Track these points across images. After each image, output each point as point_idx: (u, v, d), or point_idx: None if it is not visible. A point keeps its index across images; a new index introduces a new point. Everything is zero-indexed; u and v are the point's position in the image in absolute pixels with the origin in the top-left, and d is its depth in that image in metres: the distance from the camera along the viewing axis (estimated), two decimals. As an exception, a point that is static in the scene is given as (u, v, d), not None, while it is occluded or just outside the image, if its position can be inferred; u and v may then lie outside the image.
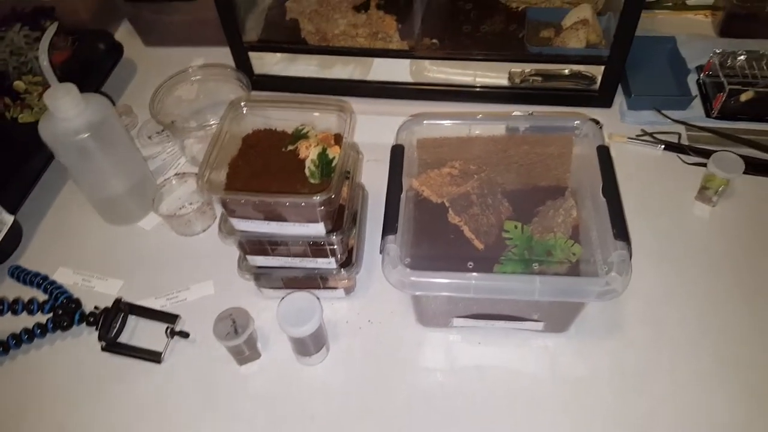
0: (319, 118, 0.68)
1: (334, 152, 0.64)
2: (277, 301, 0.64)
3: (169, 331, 0.70)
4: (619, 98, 0.94)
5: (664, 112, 0.90)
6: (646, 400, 0.64)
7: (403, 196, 0.67)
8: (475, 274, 0.58)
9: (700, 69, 0.96)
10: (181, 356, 0.70)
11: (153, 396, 0.67)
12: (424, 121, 0.71)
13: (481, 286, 0.58)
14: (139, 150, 0.84)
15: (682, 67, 0.95)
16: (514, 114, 0.74)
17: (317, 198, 0.59)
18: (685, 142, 0.89)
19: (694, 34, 1.01)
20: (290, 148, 0.66)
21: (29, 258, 0.80)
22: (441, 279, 0.59)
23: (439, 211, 0.72)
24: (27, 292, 0.75)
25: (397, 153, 0.70)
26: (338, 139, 0.66)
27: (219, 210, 0.67)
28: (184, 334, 0.71)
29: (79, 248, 0.81)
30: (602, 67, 0.88)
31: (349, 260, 0.70)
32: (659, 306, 0.71)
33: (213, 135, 0.62)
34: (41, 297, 0.74)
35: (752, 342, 0.68)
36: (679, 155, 0.87)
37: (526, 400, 0.65)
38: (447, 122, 0.73)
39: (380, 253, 0.63)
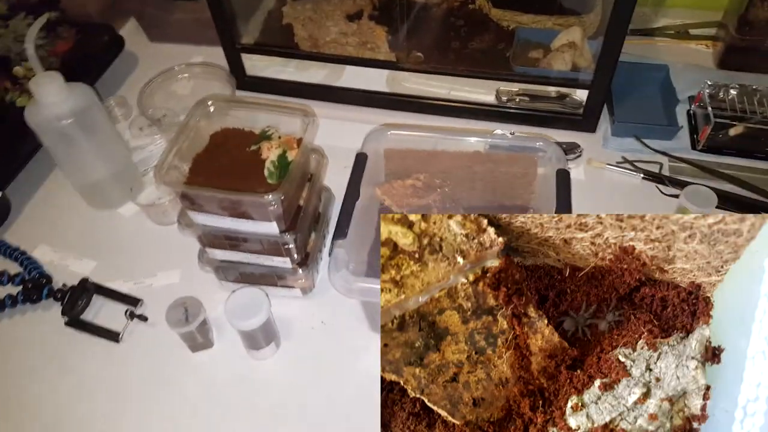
0: (285, 121, 0.70)
1: (293, 155, 0.66)
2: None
3: (128, 313, 0.73)
4: (605, 124, 0.94)
5: (648, 141, 0.90)
6: None
7: (361, 202, 0.69)
8: (412, 284, 0.60)
9: (692, 99, 0.95)
10: (139, 338, 0.73)
11: (107, 373, 0.70)
12: (389, 132, 0.73)
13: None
14: (123, 139, 0.87)
15: (672, 96, 0.94)
16: (480, 131, 0.75)
17: (267, 197, 0.61)
18: (666, 172, 0.88)
19: (690, 64, 1.01)
20: (254, 148, 0.68)
21: (14, 233, 0.84)
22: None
23: (398, 220, 0.73)
24: (7, 266, 0.79)
25: (359, 161, 0.71)
26: (300, 143, 0.68)
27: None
28: (143, 318, 0.73)
29: (60, 228, 0.85)
30: (586, 91, 0.88)
31: (306, 260, 0.72)
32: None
33: (177, 129, 0.65)
34: (15, 270, 0.77)
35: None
36: (658, 185, 0.86)
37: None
38: (414, 134, 0.74)
39: (329, 256, 0.64)
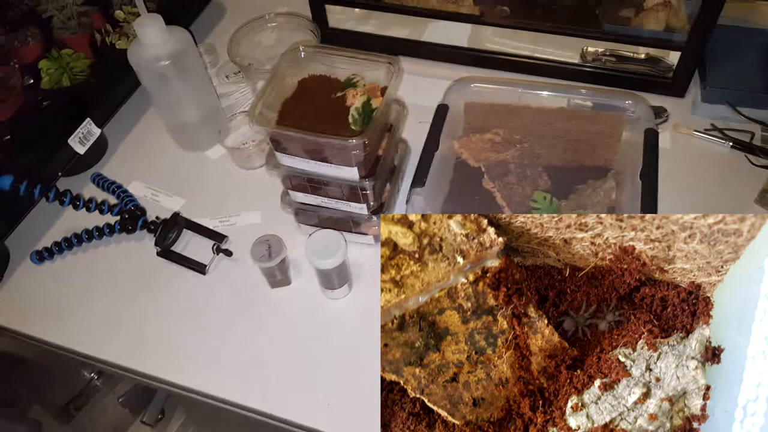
0: (369, 70, 0.71)
1: (377, 103, 0.67)
2: (313, 237, 0.70)
3: (215, 247, 0.78)
4: (694, 89, 0.90)
5: (741, 109, 0.85)
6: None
7: (438, 154, 0.70)
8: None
9: (794, 67, 0.89)
10: (223, 271, 0.78)
11: (194, 301, 0.76)
12: (472, 85, 0.73)
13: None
14: (213, 85, 0.91)
15: (772, 62, 0.89)
16: (566, 86, 0.74)
17: (352, 141, 0.63)
18: (758, 142, 0.84)
19: (795, 30, 0.94)
20: (339, 95, 0.70)
21: (110, 168, 0.90)
22: (456, 234, 0.61)
23: (475, 175, 0.74)
24: (105, 198, 0.86)
25: (440, 112, 0.72)
26: (385, 91, 0.69)
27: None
28: (228, 253, 0.78)
29: (153, 166, 0.90)
30: (678, 54, 0.85)
31: (381, 209, 0.74)
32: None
33: (269, 75, 0.68)
34: (113, 202, 0.83)
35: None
36: (748, 155, 0.83)
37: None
38: (496, 87, 0.74)
39: (406, 203, 0.66)
